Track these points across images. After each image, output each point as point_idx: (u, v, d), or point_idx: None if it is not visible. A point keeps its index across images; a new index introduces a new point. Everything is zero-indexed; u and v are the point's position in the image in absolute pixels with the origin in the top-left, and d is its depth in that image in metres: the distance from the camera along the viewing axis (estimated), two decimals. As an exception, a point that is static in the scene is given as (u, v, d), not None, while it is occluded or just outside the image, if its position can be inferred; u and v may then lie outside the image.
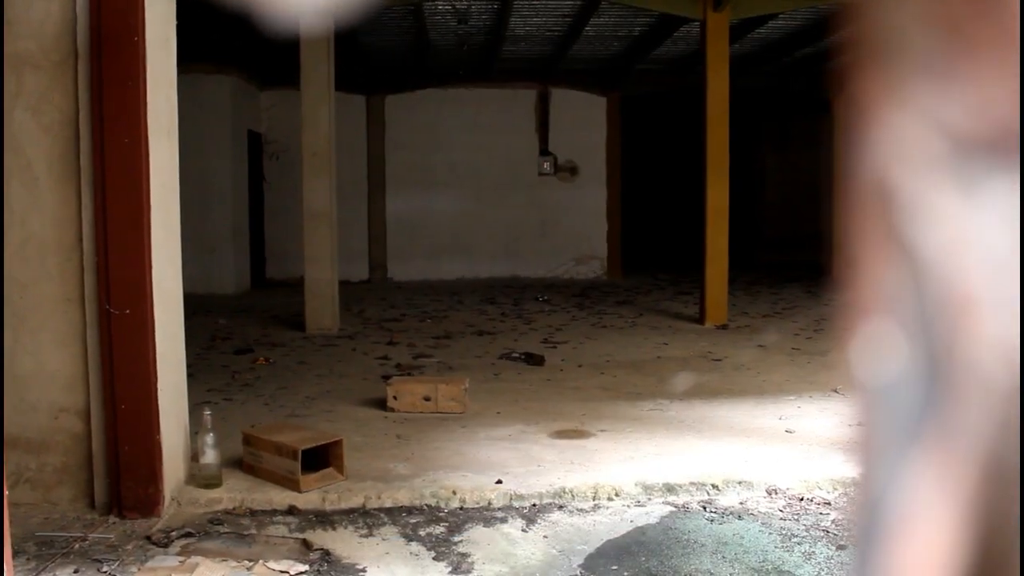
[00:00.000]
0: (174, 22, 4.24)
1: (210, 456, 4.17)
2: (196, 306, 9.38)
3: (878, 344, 0.32)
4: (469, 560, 3.51)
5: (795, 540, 3.69)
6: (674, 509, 4.05)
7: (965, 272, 0.29)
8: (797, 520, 3.90)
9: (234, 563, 3.40)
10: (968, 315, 0.29)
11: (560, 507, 4.07)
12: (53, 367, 3.99)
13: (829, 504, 4.07)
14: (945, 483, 0.30)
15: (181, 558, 3.46)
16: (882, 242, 0.30)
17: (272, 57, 11.61)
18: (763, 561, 3.49)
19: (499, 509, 4.05)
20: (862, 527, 0.33)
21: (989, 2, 0.27)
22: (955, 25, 0.28)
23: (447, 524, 3.88)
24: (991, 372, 0.30)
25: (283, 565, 3.40)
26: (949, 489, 0.30)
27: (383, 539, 3.72)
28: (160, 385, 3.96)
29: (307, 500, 4.06)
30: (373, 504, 4.07)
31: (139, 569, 3.36)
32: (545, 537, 3.75)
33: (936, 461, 0.30)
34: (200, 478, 4.20)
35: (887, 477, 0.32)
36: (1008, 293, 0.28)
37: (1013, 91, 0.27)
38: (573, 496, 4.16)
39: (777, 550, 3.59)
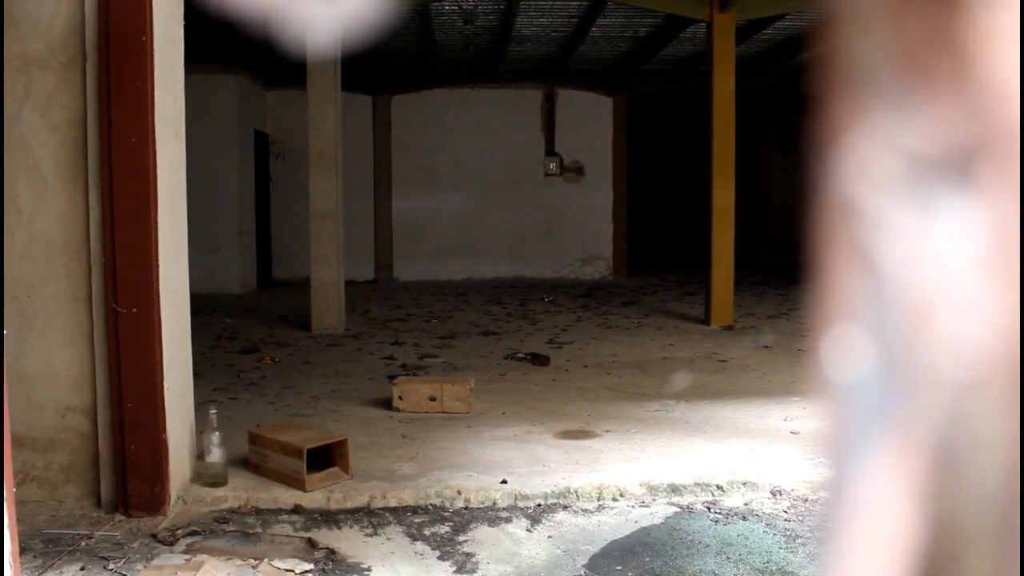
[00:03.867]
0: (181, 22, 4.27)
1: (216, 455, 4.20)
2: (202, 305, 9.43)
3: (845, 346, 0.34)
4: (474, 560, 3.53)
5: (799, 541, 3.70)
6: (679, 510, 4.06)
7: (921, 280, 0.32)
8: (802, 521, 3.91)
9: (239, 561, 3.42)
10: (924, 319, 0.32)
11: (565, 507, 4.09)
12: (60, 366, 4.02)
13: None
14: (899, 472, 0.33)
15: (187, 556, 3.48)
16: (848, 253, 0.33)
17: (279, 57, 11.64)
18: (767, 562, 3.50)
19: (504, 509, 4.06)
20: (828, 516, 0.36)
21: (944, 36, 0.30)
22: (913, 57, 0.31)
23: (452, 524, 3.90)
24: (944, 370, 0.32)
25: (288, 564, 3.42)
26: (903, 477, 0.33)
27: (388, 538, 3.74)
28: (166, 384, 3.99)
29: (312, 499, 4.08)
30: (378, 503, 4.08)
31: (145, 567, 3.39)
32: (550, 537, 3.76)
33: (892, 452, 0.33)
34: (206, 477, 4.22)
35: (849, 468, 0.34)
36: (959, 299, 0.31)
37: (964, 117, 0.29)
38: (578, 496, 4.17)
39: (781, 551, 3.61)
